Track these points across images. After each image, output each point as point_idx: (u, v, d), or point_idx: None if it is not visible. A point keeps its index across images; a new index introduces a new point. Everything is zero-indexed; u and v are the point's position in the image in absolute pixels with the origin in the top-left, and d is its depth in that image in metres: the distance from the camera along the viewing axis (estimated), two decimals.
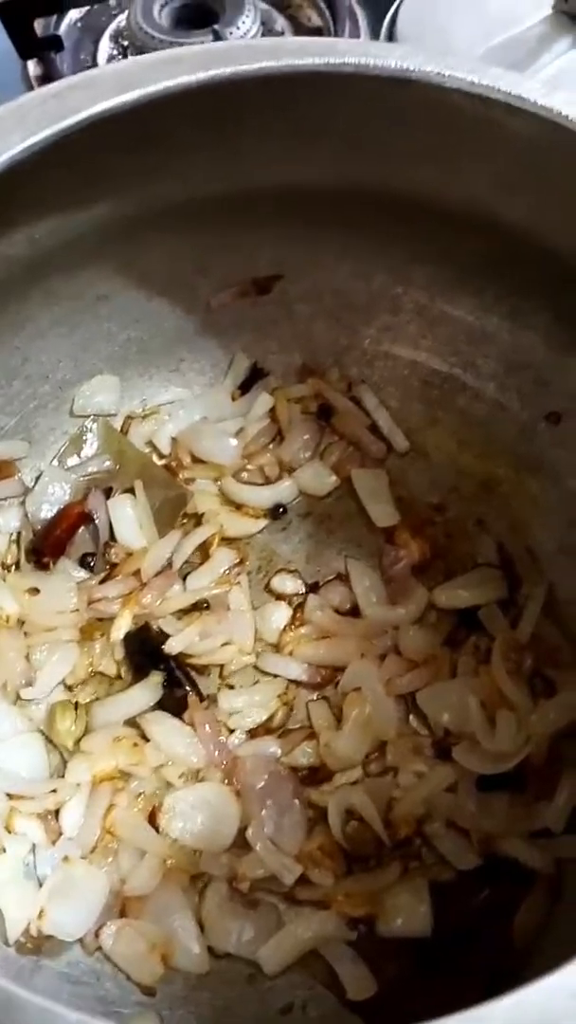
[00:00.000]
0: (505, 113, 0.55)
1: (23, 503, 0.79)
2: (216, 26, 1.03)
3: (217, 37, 1.00)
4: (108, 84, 0.56)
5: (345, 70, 0.54)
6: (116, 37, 1.10)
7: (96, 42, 1.11)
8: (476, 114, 0.56)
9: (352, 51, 0.54)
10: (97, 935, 0.64)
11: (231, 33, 1.02)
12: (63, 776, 0.70)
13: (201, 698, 0.74)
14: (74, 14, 1.09)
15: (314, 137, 0.63)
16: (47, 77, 1.03)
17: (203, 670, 0.77)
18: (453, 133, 0.59)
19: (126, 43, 1.08)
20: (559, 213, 0.62)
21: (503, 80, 0.54)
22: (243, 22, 1.04)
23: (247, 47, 0.56)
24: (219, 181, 0.68)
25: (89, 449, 0.82)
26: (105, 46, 1.10)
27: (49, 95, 0.56)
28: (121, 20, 1.10)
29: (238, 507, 0.83)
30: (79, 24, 1.11)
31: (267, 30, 1.07)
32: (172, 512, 0.82)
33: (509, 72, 0.54)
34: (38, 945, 0.63)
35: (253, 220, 0.74)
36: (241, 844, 0.68)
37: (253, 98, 0.57)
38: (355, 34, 1.04)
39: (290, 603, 0.80)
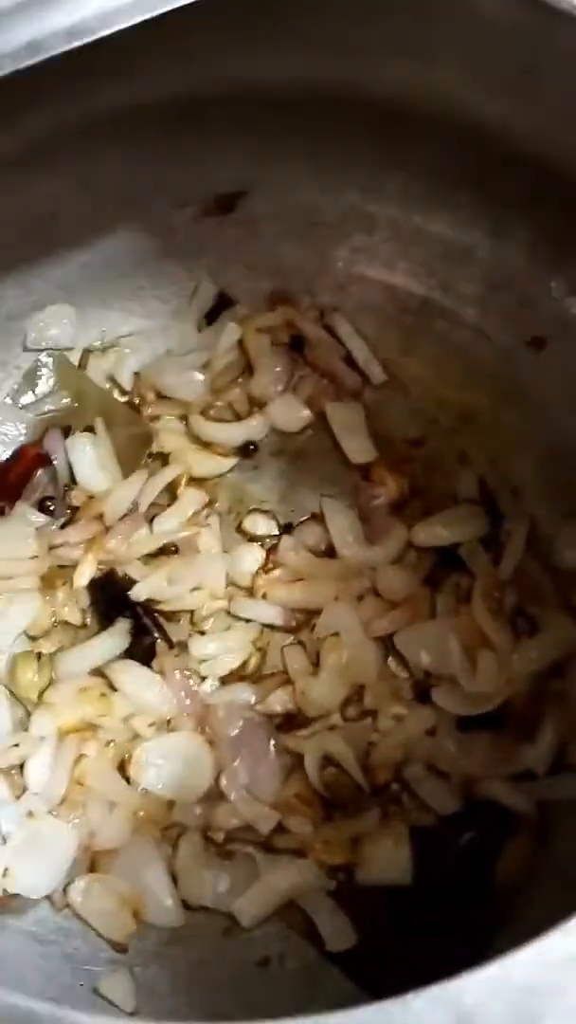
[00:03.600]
0: None
1: None
2: None
3: None
4: None
5: None
6: None
7: None
8: None
9: None
10: (65, 892, 0.62)
11: None
12: (27, 730, 0.67)
13: (171, 645, 0.71)
14: None
15: (271, 29, 0.57)
16: None
17: (172, 616, 0.73)
18: (427, 21, 0.53)
19: None
20: (542, 110, 0.56)
21: None
22: None
23: None
24: (172, 84, 0.62)
25: (45, 385, 0.77)
26: None
27: None
28: None
29: (206, 445, 0.79)
30: None
31: None
32: (136, 451, 0.78)
33: None
34: (4, 904, 0.61)
35: (211, 129, 0.68)
36: (215, 794, 0.66)
37: None
38: None
39: (263, 545, 0.76)
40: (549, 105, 0.56)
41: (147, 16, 0.45)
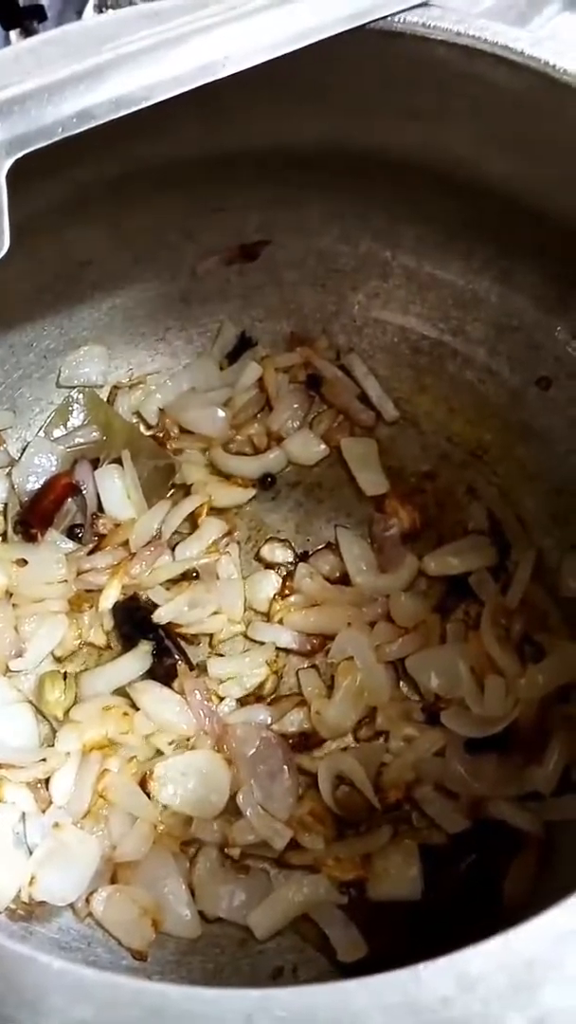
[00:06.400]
0: (492, 65, 0.54)
1: (9, 474, 0.79)
2: None
3: None
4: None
5: None
6: (100, 6, 1.08)
7: (80, 12, 1.09)
8: (462, 67, 0.55)
9: None
10: (88, 901, 0.64)
11: None
12: (53, 746, 0.70)
13: (191, 667, 0.74)
14: None
15: (297, 94, 0.62)
16: None
17: (193, 639, 0.76)
18: (438, 88, 0.58)
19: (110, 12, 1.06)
20: (546, 170, 0.61)
21: (489, 31, 0.53)
22: None
23: (227, 2, 0.55)
24: (203, 142, 0.67)
25: (75, 420, 0.81)
26: (89, 15, 1.08)
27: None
28: None
29: (227, 477, 0.83)
30: None
31: None
32: (160, 482, 0.82)
33: (496, 23, 0.53)
34: (29, 911, 0.63)
35: (239, 183, 0.73)
36: (232, 810, 0.68)
37: None
38: None
39: (279, 572, 0.79)
40: (553, 165, 0.61)
41: (186, 88, 0.50)
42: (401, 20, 0.54)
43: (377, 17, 0.55)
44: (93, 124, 0.50)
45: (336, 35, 0.55)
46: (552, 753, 0.67)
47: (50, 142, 0.49)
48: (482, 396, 0.80)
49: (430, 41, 0.54)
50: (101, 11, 1.08)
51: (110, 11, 0.99)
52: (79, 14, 1.09)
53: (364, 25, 0.54)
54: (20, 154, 0.49)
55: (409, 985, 0.30)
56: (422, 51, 0.55)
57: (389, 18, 0.54)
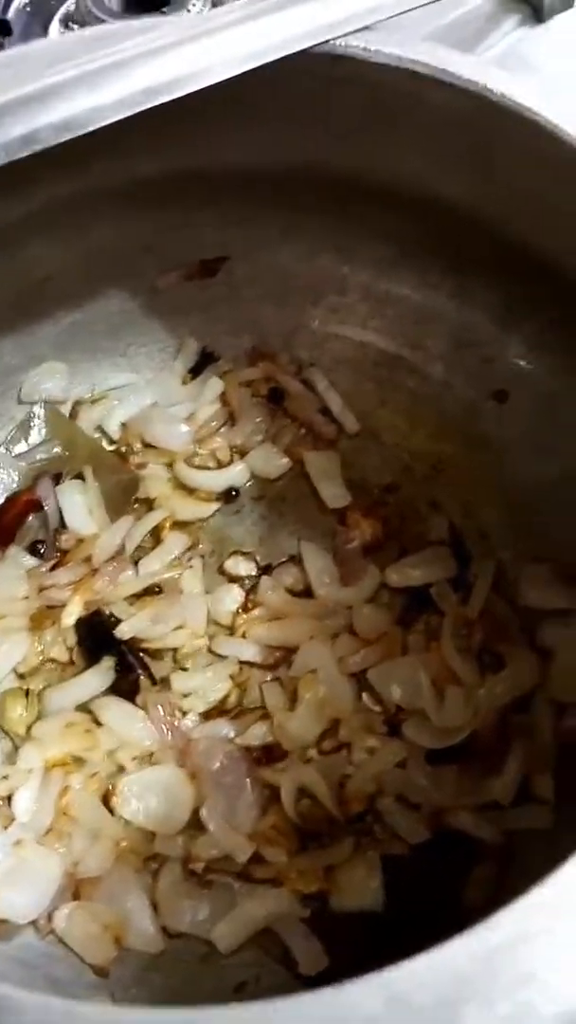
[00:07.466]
0: (433, 88, 0.55)
1: None
2: (165, 8, 1.03)
3: None
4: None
5: None
6: (66, 21, 1.09)
7: (46, 26, 1.09)
8: (405, 90, 0.56)
9: None
10: (50, 918, 0.64)
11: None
12: (15, 763, 0.70)
13: (154, 681, 0.74)
14: None
15: (244, 115, 0.62)
16: None
17: (156, 654, 0.76)
18: (383, 110, 0.59)
19: (76, 27, 1.07)
20: (493, 188, 0.62)
21: (429, 55, 0.54)
22: (193, 4, 1.04)
23: (177, 24, 0.55)
24: (158, 160, 0.68)
25: (37, 435, 0.82)
26: (55, 30, 1.08)
27: None
28: (71, 4, 1.08)
29: (190, 491, 0.83)
30: (28, 8, 1.09)
31: None
32: (123, 497, 0.82)
33: (438, 46, 0.54)
34: None
35: (197, 200, 0.74)
36: (195, 825, 0.68)
37: None
38: None
39: (243, 585, 0.80)
40: (503, 185, 0.62)
41: (131, 112, 0.51)
42: (343, 44, 0.54)
43: (324, 40, 0.55)
44: (38, 148, 0.50)
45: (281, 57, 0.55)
46: (510, 763, 0.68)
47: None
48: (441, 410, 0.81)
49: (372, 64, 0.55)
50: (67, 26, 1.08)
51: (66, 32, 1.00)
52: (45, 29, 1.09)
53: (309, 48, 0.55)
54: None
55: (335, 1003, 0.31)
56: (366, 74, 0.56)
57: (332, 41, 0.55)
